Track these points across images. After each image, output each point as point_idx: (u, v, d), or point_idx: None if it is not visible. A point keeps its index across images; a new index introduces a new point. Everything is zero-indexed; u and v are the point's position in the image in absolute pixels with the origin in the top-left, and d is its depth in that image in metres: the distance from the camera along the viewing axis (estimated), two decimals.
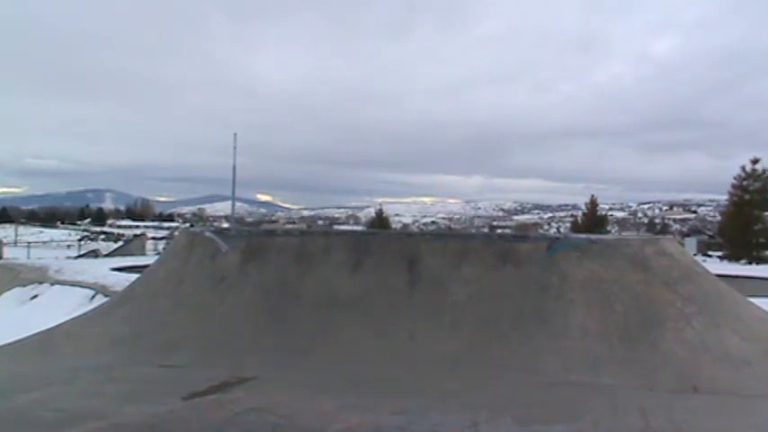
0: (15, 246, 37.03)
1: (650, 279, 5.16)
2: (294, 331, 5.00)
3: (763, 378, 4.28)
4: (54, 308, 9.67)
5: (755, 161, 31.34)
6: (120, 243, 38.15)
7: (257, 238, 6.29)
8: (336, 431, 3.10)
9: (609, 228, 58.84)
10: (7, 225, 72.75)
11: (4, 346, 5.47)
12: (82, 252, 33.14)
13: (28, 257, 25.25)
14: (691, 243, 35.25)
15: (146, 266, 8.34)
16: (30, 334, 5.80)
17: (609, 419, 3.46)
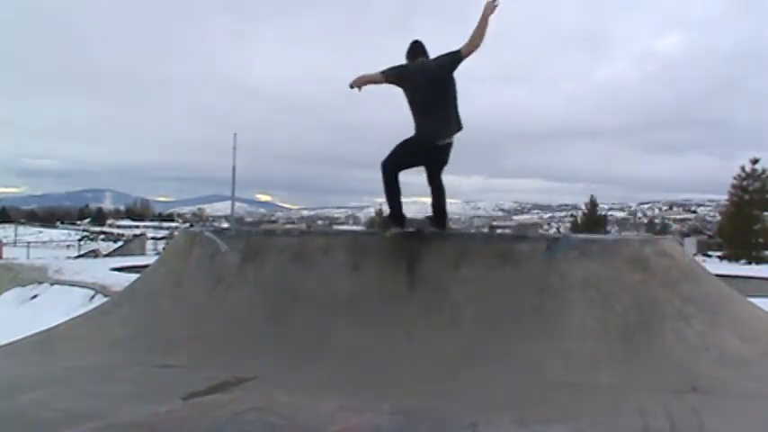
0: (15, 246, 36.98)
1: (649, 279, 5.16)
2: (293, 331, 5.00)
3: (763, 378, 4.28)
4: (53, 308, 9.67)
5: (755, 161, 31.40)
6: (120, 243, 38.14)
7: (257, 238, 6.29)
8: (336, 431, 3.10)
9: (608, 228, 58.86)
10: (7, 225, 72.71)
11: (4, 346, 5.47)
12: (81, 252, 33.15)
13: (27, 257, 25.24)
14: (690, 243, 35.25)
15: (146, 266, 8.34)
16: (29, 334, 5.80)
17: (608, 419, 3.47)
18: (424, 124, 4.96)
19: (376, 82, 5.20)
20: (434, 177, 5.24)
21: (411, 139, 5.10)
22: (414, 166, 5.18)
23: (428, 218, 5.43)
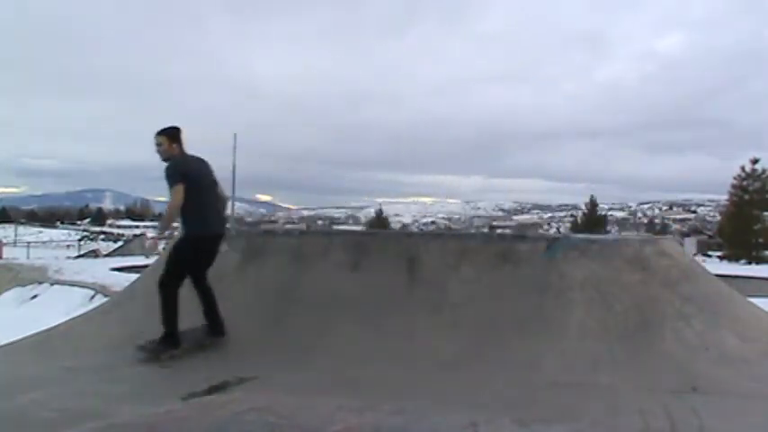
0: (15, 246, 36.97)
1: (649, 279, 5.16)
2: (293, 331, 5.00)
3: (763, 378, 4.28)
4: (53, 308, 9.68)
5: (755, 161, 31.39)
6: (120, 243, 38.13)
7: (257, 238, 6.29)
8: (336, 431, 3.10)
9: (608, 228, 58.90)
10: (7, 225, 72.68)
11: (4, 346, 5.47)
12: (81, 252, 33.15)
13: (27, 257, 25.23)
14: (690, 243, 35.24)
15: (146, 266, 8.34)
16: (29, 334, 5.80)
17: (608, 419, 3.47)
18: (202, 217, 4.77)
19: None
20: (203, 279, 4.97)
21: (186, 239, 4.84)
22: (192, 269, 4.86)
23: (204, 326, 4.97)
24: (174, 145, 4.84)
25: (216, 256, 5.01)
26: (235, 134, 26.50)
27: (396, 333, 4.85)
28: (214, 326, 4.96)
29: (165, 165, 4.77)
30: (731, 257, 29.63)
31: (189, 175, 4.71)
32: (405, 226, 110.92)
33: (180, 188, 4.61)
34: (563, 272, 5.12)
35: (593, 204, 45.63)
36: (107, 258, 24.25)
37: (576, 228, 50.32)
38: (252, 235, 6.75)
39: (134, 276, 8.33)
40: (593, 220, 44.00)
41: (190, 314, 4.84)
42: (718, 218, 51.09)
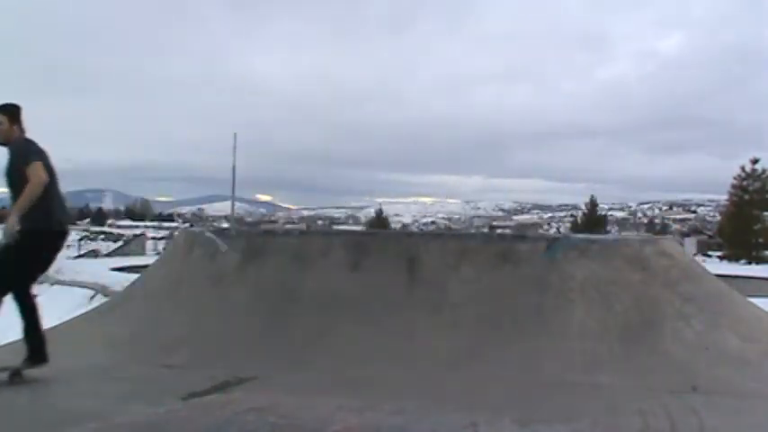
0: None
1: (649, 279, 5.16)
2: (293, 331, 5.00)
3: (763, 378, 4.29)
4: (54, 308, 9.66)
5: (755, 161, 31.46)
6: (120, 243, 38.13)
7: (257, 238, 6.29)
8: (336, 431, 3.10)
9: (608, 228, 58.94)
10: None
11: (4, 346, 5.47)
12: (82, 252, 33.13)
13: None
14: (690, 243, 35.26)
15: (146, 266, 8.35)
16: None
17: (608, 419, 3.47)
18: (50, 210, 4.06)
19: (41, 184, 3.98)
20: (29, 288, 4.21)
21: (28, 235, 3.93)
22: (26, 272, 4.13)
23: (26, 359, 4.11)
24: (15, 126, 4.13)
25: (53, 260, 4.32)
26: (235, 134, 26.50)
27: (396, 333, 4.85)
28: (36, 350, 4.10)
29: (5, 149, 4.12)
30: (731, 257, 29.66)
31: (42, 160, 4.07)
32: (405, 226, 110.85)
33: (41, 165, 3.97)
34: (563, 272, 5.12)
35: (593, 204, 45.67)
36: (107, 258, 24.26)
37: (576, 228, 50.38)
38: (252, 235, 6.75)
39: (134, 276, 8.34)
40: (593, 220, 44.04)
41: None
42: (718, 218, 51.12)
